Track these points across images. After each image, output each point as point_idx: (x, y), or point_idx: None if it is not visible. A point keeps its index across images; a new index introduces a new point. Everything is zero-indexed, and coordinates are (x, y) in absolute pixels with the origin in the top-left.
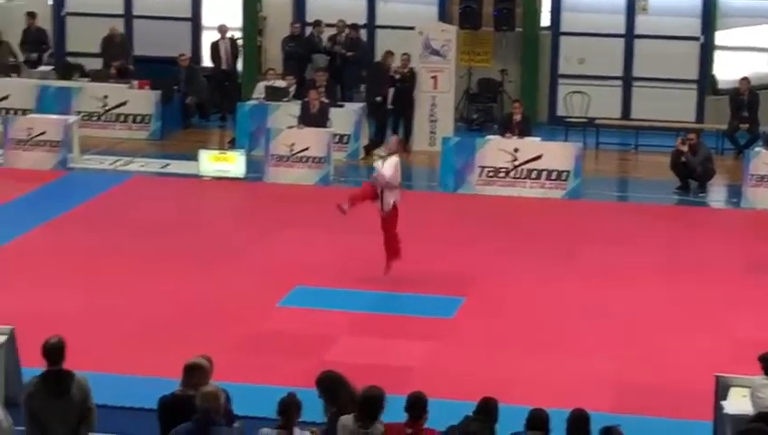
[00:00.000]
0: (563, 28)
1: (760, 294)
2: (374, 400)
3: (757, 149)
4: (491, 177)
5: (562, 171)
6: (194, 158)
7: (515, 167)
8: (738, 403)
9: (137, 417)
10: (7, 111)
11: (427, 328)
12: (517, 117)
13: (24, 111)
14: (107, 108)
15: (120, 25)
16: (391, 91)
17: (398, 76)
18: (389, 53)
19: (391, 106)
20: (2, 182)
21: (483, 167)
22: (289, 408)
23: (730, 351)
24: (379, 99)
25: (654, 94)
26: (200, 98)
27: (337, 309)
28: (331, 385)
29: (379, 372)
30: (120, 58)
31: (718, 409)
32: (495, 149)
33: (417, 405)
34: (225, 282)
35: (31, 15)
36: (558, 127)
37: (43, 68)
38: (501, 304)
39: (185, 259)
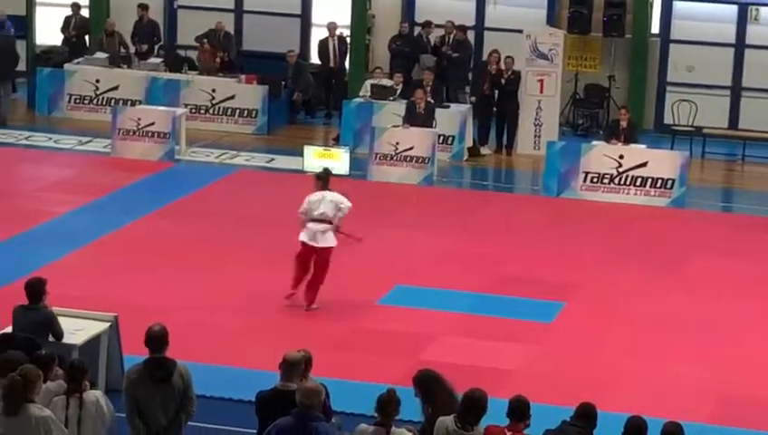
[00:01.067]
0: (673, 36)
1: None
2: (477, 402)
3: None
4: (595, 182)
5: (667, 179)
6: (299, 153)
7: (620, 173)
8: None
9: (234, 408)
10: (117, 101)
11: (526, 331)
12: (623, 123)
13: (134, 102)
14: (214, 101)
15: (230, 20)
16: (496, 93)
17: (503, 79)
18: (494, 52)
19: (495, 108)
20: (110, 171)
21: (587, 172)
22: (387, 405)
23: None
24: (471, 100)
25: (763, 105)
26: (307, 94)
27: (436, 309)
28: (429, 384)
29: (476, 374)
30: (223, 51)
31: None
32: (600, 155)
33: (519, 410)
34: (326, 278)
35: (143, 7)
36: (664, 135)
37: (153, 60)
38: (601, 309)
39: (287, 254)
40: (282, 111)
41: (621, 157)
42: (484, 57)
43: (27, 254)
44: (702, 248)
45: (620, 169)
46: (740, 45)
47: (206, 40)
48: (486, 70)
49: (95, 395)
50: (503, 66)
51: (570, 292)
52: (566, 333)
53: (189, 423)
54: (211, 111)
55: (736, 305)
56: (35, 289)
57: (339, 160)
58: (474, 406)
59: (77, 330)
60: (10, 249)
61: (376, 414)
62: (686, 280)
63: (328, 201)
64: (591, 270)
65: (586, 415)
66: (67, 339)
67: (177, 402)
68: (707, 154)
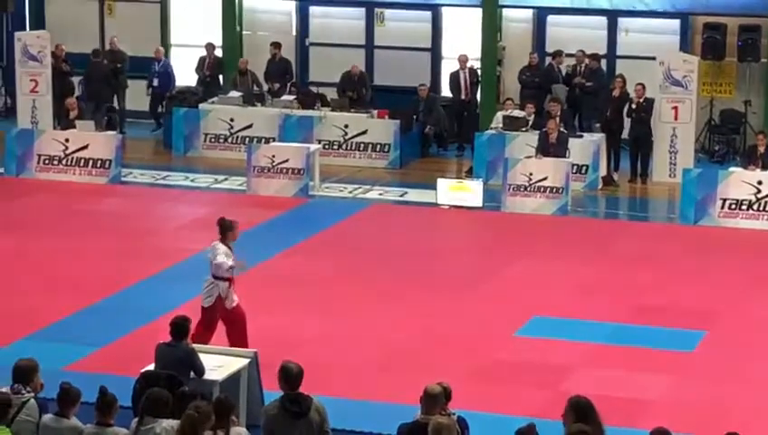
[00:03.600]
0: None
1: None
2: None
3: None
4: (733, 209)
5: None
6: (432, 187)
7: (759, 199)
8: None
9: None
10: (251, 139)
11: (667, 361)
12: (761, 149)
13: (268, 140)
14: (347, 136)
15: (360, 56)
16: (628, 121)
17: (633, 106)
18: (618, 77)
19: (627, 137)
20: (246, 209)
21: (725, 199)
22: None
23: None
24: (596, 126)
25: None
26: (438, 127)
27: (574, 340)
28: (585, 410)
29: (617, 405)
30: (356, 90)
31: None
32: (738, 181)
33: None
34: (463, 310)
35: (275, 46)
36: None
37: (285, 97)
38: (744, 338)
39: (422, 287)
40: (414, 144)
41: (760, 183)
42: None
43: (168, 291)
44: None
45: (759, 196)
46: None
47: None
48: (611, 96)
49: (239, 432)
50: (633, 94)
51: (711, 320)
52: (708, 363)
53: None
54: (344, 146)
55: None
56: (180, 326)
57: (472, 193)
58: None
59: (218, 366)
60: (153, 287)
61: None
62: None
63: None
64: (732, 298)
65: None
66: (208, 375)
67: None
68: None
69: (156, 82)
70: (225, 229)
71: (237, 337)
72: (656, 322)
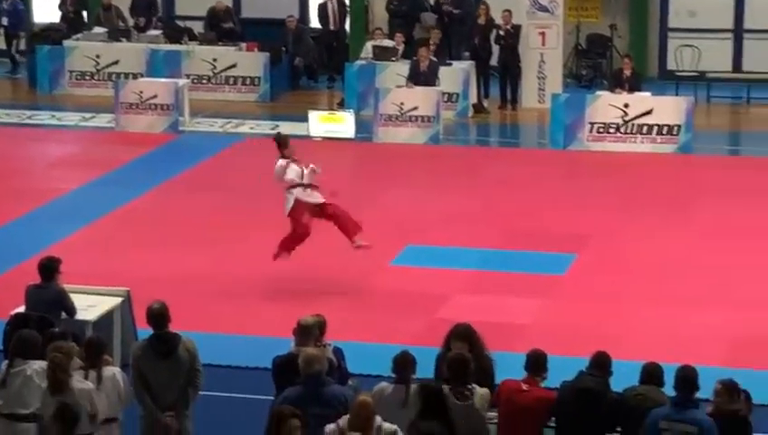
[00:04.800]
0: None
1: None
2: (462, 363)
3: None
4: (601, 133)
5: (673, 126)
6: (303, 119)
7: (626, 122)
8: None
9: (252, 376)
10: (118, 75)
11: (539, 285)
12: (627, 72)
13: (135, 76)
14: (216, 70)
15: None
16: (497, 48)
17: (501, 33)
18: (482, 4)
19: (496, 64)
20: (115, 146)
21: (593, 123)
22: (404, 365)
23: None
24: (465, 55)
25: (766, 46)
26: (308, 59)
27: (449, 267)
28: (470, 336)
29: (492, 329)
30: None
31: None
32: (606, 105)
33: (536, 363)
34: (337, 242)
35: None
36: (668, 81)
37: (152, 32)
38: (613, 260)
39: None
40: (284, 77)
41: (626, 106)
42: None
43: (38, 232)
44: (711, 193)
45: (626, 118)
46: None
47: None
48: (477, 24)
49: (112, 371)
50: (500, 21)
51: (580, 243)
52: (579, 285)
53: (210, 393)
54: (213, 80)
55: (747, 248)
56: (48, 268)
57: (344, 124)
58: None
59: (90, 306)
60: (21, 228)
61: (393, 374)
62: (695, 225)
63: None
64: (601, 220)
65: (601, 364)
66: (80, 315)
67: (185, 376)
68: (712, 98)
69: (5, 21)
70: (280, 144)
71: (343, 223)
72: (527, 246)
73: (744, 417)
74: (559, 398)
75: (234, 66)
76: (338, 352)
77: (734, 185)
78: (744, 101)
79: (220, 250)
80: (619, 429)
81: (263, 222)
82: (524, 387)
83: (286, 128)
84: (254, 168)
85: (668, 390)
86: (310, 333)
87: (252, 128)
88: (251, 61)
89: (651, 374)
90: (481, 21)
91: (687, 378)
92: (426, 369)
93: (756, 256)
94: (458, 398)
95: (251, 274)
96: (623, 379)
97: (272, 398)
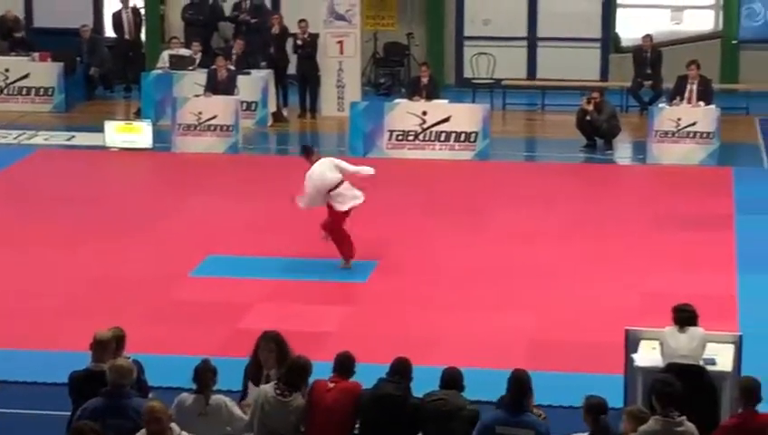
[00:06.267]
0: None
1: (666, 248)
2: (302, 367)
3: (661, 105)
4: (400, 140)
5: (471, 133)
6: (99, 129)
7: (424, 130)
8: (648, 356)
9: (49, 392)
10: None
11: (341, 292)
12: (424, 80)
13: None
14: (8, 81)
15: None
16: (295, 57)
17: (299, 42)
18: (275, 14)
19: (295, 73)
20: None
21: (392, 130)
22: (204, 375)
23: (639, 304)
24: (262, 64)
25: (558, 54)
26: (103, 69)
27: (250, 277)
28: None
29: (295, 338)
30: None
31: (629, 362)
32: (404, 113)
33: (344, 364)
34: (136, 253)
35: None
36: (465, 89)
37: None
38: (413, 266)
39: (94, 232)
40: (79, 87)
41: (424, 113)
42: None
43: None
44: (508, 198)
45: (424, 126)
46: None
47: None
48: (271, 33)
49: None
50: (298, 30)
51: (381, 250)
52: (380, 291)
53: (7, 411)
54: (5, 91)
55: (544, 252)
56: None
57: (141, 134)
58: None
59: None
60: None
61: (193, 385)
62: (494, 230)
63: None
64: (401, 227)
65: (401, 370)
66: None
67: None
68: (508, 105)
69: None
70: (311, 153)
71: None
72: (329, 254)
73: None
74: (361, 405)
75: (26, 77)
76: (137, 364)
77: (531, 190)
78: (539, 107)
79: (13, 264)
80: (420, 434)
81: (56, 235)
82: (330, 385)
83: (82, 139)
84: (48, 179)
85: (468, 394)
86: (107, 346)
87: (46, 139)
88: (44, 71)
89: (451, 379)
90: (275, 30)
91: (519, 381)
92: (227, 379)
93: (551, 258)
94: (284, 395)
95: (47, 288)
96: (426, 384)
97: (68, 414)
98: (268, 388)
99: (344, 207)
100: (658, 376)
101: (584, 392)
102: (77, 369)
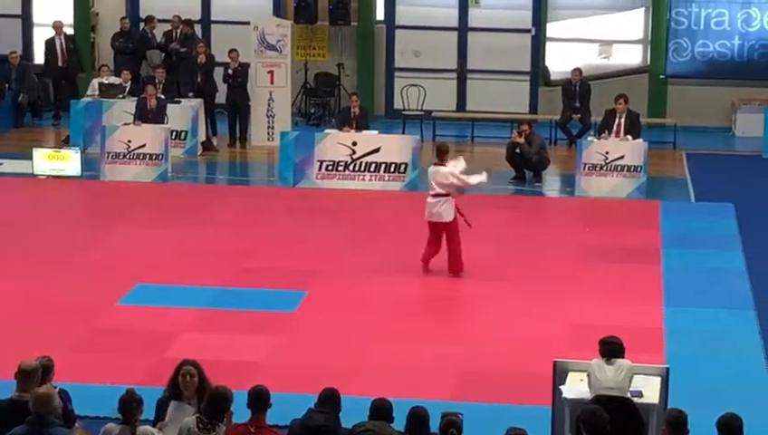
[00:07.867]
0: (398, 22)
1: (594, 281)
2: (221, 398)
3: (589, 138)
4: (330, 170)
5: (401, 164)
6: (28, 157)
7: (354, 160)
8: (576, 387)
9: None
10: None
11: (269, 322)
12: (355, 110)
13: None
14: None
15: None
16: (224, 87)
17: (230, 72)
18: (200, 43)
19: (224, 102)
20: None
21: (322, 161)
22: (129, 404)
23: (567, 336)
24: (189, 94)
25: (488, 86)
26: (32, 96)
27: (178, 306)
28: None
29: (222, 368)
30: None
31: (557, 393)
32: (334, 143)
33: (259, 400)
34: (64, 282)
35: None
36: (395, 120)
37: None
38: (343, 296)
39: (20, 259)
40: (7, 114)
41: (354, 144)
42: (214, 51)
43: None
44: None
45: (354, 156)
46: (463, 29)
47: None
48: (197, 63)
49: None
50: (228, 59)
51: (311, 280)
52: (310, 321)
53: None
54: None
55: (473, 283)
56: None
57: (69, 162)
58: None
59: None
60: None
61: (120, 415)
62: (412, 261)
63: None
64: (330, 257)
65: (329, 399)
66: None
67: None
68: (438, 137)
69: None
70: (445, 153)
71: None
72: (258, 284)
73: None
74: None
75: None
76: (63, 393)
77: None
78: (469, 139)
79: None
80: None
81: None
82: (252, 429)
83: (9, 166)
84: None
85: (397, 425)
86: (31, 376)
87: None
88: None
89: (380, 410)
90: (201, 60)
91: (418, 417)
92: (153, 409)
93: (480, 290)
94: (207, 430)
95: None
96: (355, 415)
97: None
98: (190, 422)
99: (451, 217)
100: (587, 407)
101: (512, 424)
102: (1, 398)
